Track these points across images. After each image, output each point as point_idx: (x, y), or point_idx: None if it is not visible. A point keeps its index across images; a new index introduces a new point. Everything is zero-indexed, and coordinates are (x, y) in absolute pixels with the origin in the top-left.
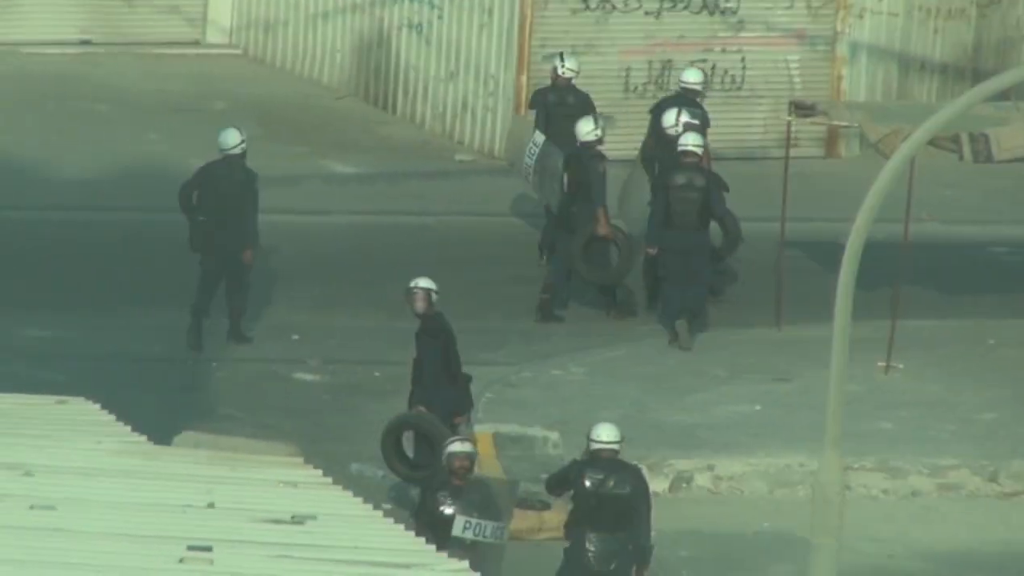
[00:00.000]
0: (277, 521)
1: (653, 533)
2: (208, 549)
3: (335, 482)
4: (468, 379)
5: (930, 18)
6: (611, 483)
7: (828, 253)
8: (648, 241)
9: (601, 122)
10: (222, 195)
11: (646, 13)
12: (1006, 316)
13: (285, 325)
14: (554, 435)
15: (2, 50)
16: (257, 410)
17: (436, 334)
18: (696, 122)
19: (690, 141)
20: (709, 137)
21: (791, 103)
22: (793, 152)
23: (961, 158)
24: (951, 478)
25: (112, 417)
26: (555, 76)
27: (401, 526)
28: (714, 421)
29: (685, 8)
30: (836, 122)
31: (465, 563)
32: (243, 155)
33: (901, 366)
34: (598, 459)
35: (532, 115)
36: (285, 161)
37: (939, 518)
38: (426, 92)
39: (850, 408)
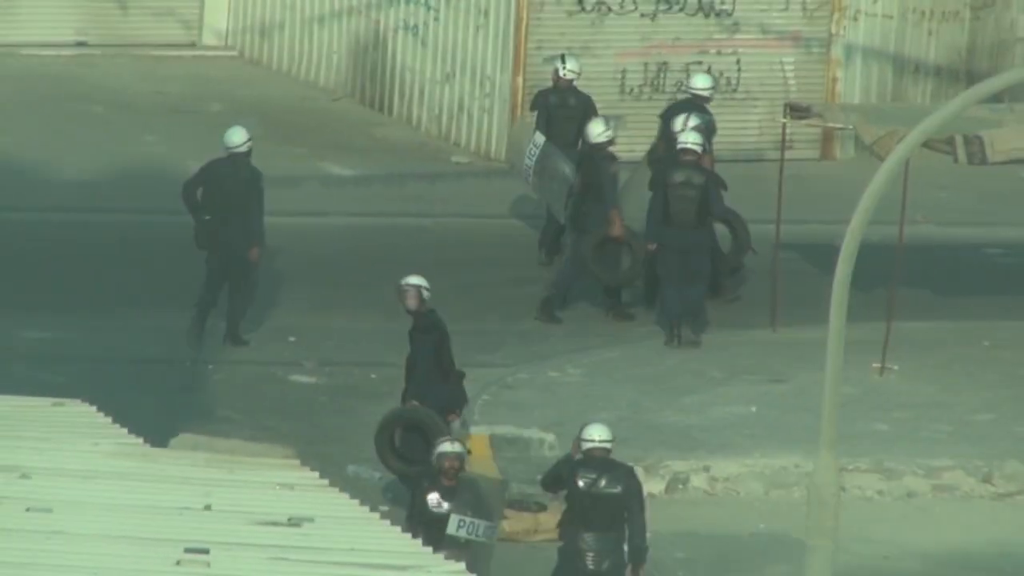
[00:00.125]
0: (274, 523)
1: (648, 534)
2: (205, 551)
3: (332, 484)
4: (461, 375)
5: (924, 20)
6: (604, 483)
7: (823, 255)
8: (647, 238)
9: (612, 123)
10: (227, 193)
11: (642, 15)
12: (1001, 318)
13: (282, 327)
14: (551, 437)
15: None
16: (254, 412)
17: (429, 331)
18: (698, 122)
19: (689, 139)
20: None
21: (786, 105)
22: (788, 154)
23: (956, 160)
24: (946, 479)
25: (109, 419)
26: (556, 78)
27: (398, 528)
28: (710, 422)
29: (680, 10)
30: (831, 124)
31: (461, 565)
32: (248, 154)
33: (896, 368)
34: (590, 459)
35: (532, 116)
36: (282, 163)
37: (934, 519)
38: (422, 94)
39: (845, 409)
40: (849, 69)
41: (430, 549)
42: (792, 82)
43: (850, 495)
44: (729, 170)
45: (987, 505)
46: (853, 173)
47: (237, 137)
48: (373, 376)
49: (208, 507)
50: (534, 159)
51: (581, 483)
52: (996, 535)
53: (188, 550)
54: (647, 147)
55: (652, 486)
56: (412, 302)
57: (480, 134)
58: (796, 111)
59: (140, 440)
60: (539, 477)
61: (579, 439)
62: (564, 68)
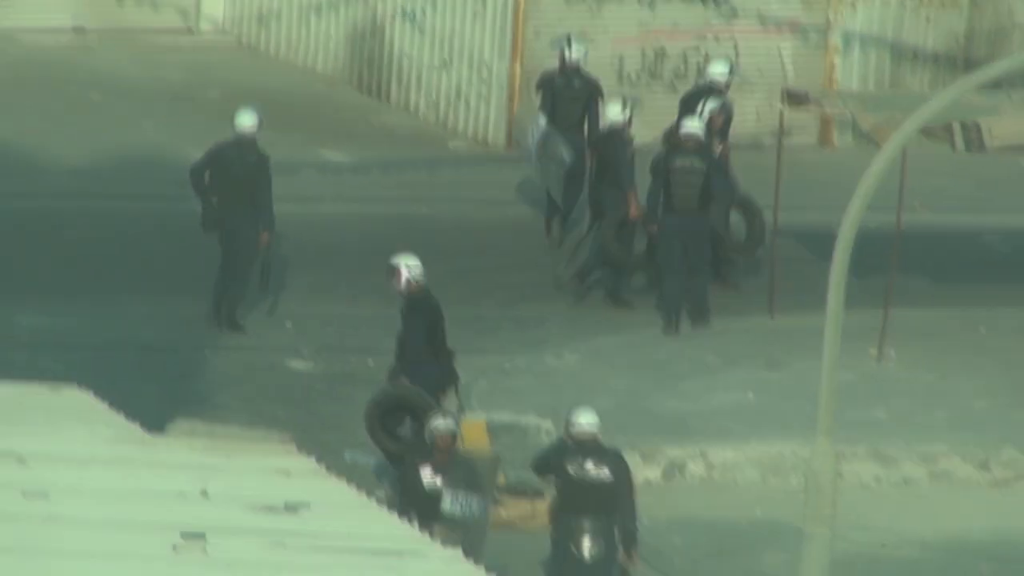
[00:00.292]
0: (271, 510)
1: (647, 521)
2: (202, 537)
3: (329, 470)
4: (451, 355)
5: (922, 7)
6: (593, 467)
7: (821, 242)
8: (648, 221)
9: (629, 104)
10: (234, 177)
11: (639, 2)
12: (998, 305)
13: (279, 313)
14: (548, 423)
15: None
16: (251, 399)
17: (421, 310)
18: (716, 106)
19: (691, 125)
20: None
21: (784, 92)
22: (786, 141)
23: (953, 147)
24: (943, 466)
25: (106, 405)
26: (562, 60)
27: (395, 515)
28: (708, 409)
29: None
30: (829, 111)
31: (458, 550)
32: (255, 137)
33: (893, 355)
34: (580, 444)
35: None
36: (279, 150)
37: (931, 506)
38: (420, 81)
39: (842, 396)
40: (847, 56)
41: (427, 535)
42: (790, 69)
43: (847, 482)
44: None
45: (984, 492)
46: (851, 160)
47: (247, 119)
48: (370, 363)
49: (205, 493)
50: (536, 140)
51: (570, 469)
52: (993, 522)
53: (184, 536)
54: (646, 134)
55: (649, 473)
56: (400, 281)
57: (478, 121)
58: (794, 98)
59: (137, 426)
60: (533, 461)
61: (567, 424)
62: (570, 50)
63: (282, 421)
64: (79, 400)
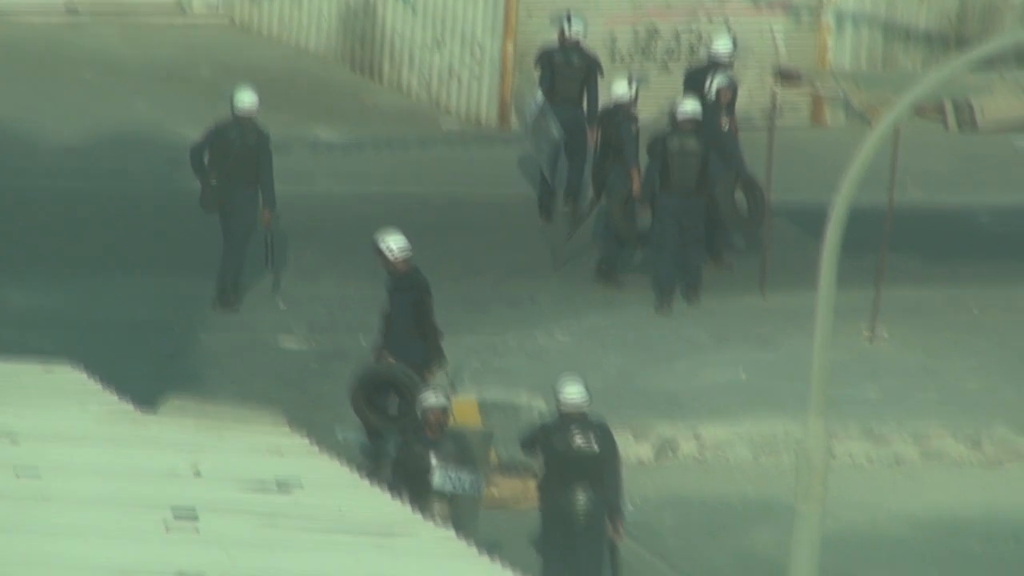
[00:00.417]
0: (263, 488)
1: (639, 501)
2: (194, 516)
3: (321, 450)
4: (439, 333)
5: None
6: (580, 440)
7: (813, 221)
8: (644, 199)
9: (635, 82)
10: (234, 157)
11: None
12: (990, 284)
13: (272, 292)
14: (539, 402)
15: None
16: (244, 378)
17: (406, 288)
18: (724, 83)
19: (689, 106)
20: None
21: (777, 71)
22: (779, 121)
23: (946, 127)
24: (935, 445)
25: (98, 384)
26: (562, 36)
27: (387, 493)
28: (700, 388)
29: None
30: (821, 90)
31: (451, 530)
32: (254, 116)
33: (886, 334)
34: (566, 417)
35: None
36: (272, 129)
37: (923, 485)
38: (412, 60)
39: (835, 376)
40: (840, 36)
41: (419, 514)
42: (782, 49)
43: (839, 461)
44: None
45: (975, 471)
46: (843, 139)
47: (246, 98)
48: (363, 341)
49: (197, 472)
50: (532, 116)
51: (557, 442)
52: (984, 501)
53: (177, 514)
54: (642, 111)
55: (642, 452)
56: (385, 260)
57: (470, 100)
58: (787, 77)
59: (129, 405)
60: (520, 439)
61: (555, 394)
62: (569, 26)
63: (274, 400)
64: (71, 378)
